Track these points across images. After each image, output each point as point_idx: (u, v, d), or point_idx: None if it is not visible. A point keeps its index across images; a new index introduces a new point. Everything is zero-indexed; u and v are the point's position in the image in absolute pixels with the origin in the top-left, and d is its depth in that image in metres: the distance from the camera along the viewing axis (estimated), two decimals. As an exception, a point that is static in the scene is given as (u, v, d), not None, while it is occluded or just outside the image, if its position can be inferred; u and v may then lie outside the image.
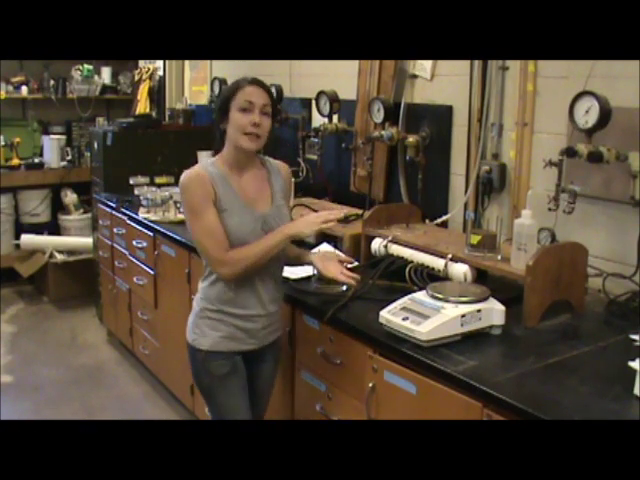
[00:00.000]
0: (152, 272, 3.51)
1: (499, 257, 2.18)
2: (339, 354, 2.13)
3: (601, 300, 2.20)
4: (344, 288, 2.26)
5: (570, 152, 2.06)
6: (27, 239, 5.17)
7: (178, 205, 3.49)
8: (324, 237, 2.71)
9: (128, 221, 3.72)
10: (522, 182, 2.53)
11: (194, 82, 5.04)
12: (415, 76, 2.99)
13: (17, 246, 5.27)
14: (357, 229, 2.66)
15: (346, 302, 2.15)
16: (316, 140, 3.35)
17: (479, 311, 1.89)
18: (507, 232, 2.41)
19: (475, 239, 2.21)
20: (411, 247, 2.37)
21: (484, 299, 1.93)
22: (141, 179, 3.99)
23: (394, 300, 1.99)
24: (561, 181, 2.12)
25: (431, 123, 2.89)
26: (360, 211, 2.99)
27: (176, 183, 3.96)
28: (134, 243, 3.65)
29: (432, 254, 2.29)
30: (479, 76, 2.65)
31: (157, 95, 5.31)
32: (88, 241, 4.90)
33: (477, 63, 2.65)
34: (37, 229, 5.36)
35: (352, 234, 2.66)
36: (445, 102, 2.85)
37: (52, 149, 5.39)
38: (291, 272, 2.37)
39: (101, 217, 4.22)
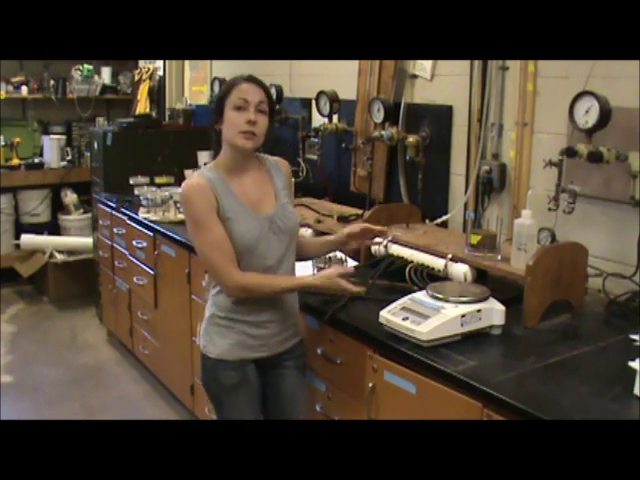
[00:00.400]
0: (152, 272, 3.51)
1: (499, 257, 2.18)
2: (339, 354, 2.13)
3: (601, 300, 2.20)
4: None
5: (570, 152, 2.06)
6: (27, 239, 5.17)
7: (178, 205, 3.49)
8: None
9: (128, 221, 3.72)
10: (522, 182, 2.53)
11: (194, 82, 5.04)
12: (415, 76, 2.99)
13: (17, 246, 5.27)
14: (357, 229, 2.66)
15: (346, 302, 2.14)
16: (316, 140, 3.35)
17: (479, 311, 1.89)
18: (507, 232, 2.41)
19: (475, 239, 2.21)
20: (411, 247, 2.37)
21: (484, 299, 1.93)
22: (141, 179, 4.00)
23: (394, 300, 1.98)
24: (561, 181, 2.12)
25: (431, 123, 2.89)
26: (360, 211, 2.99)
27: (176, 183, 4.04)
28: (134, 243, 3.65)
29: (432, 254, 2.29)
30: (479, 76, 2.65)
31: (157, 95, 5.31)
32: (88, 241, 4.90)
33: (477, 63, 2.65)
34: (37, 229, 5.36)
35: (352, 234, 2.66)
36: (445, 102, 2.85)
37: (52, 149, 5.39)
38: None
39: (101, 217, 4.23)
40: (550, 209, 2.14)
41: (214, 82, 4.13)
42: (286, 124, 3.67)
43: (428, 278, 2.25)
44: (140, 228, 3.57)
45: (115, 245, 4.02)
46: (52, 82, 5.52)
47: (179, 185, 3.94)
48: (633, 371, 1.56)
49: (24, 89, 5.41)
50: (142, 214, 3.55)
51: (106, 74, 5.81)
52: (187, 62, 5.11)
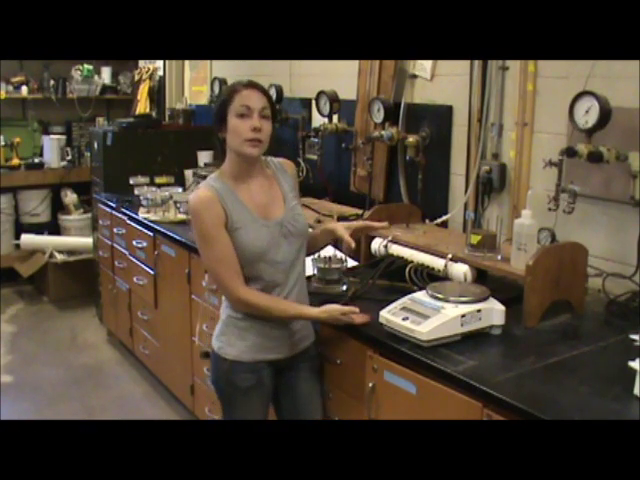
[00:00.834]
0: (152, 272, 3.51)
1: (499, 257, 2.18)
2: (339, 354, 2.13)
3: (601, 300, 2.20)
4: (344, 288, 2.27)
5: (570, 152, 2.06)
6: (27, 239, 5.17)
7: (178, 205, 3.49)
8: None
9: (128, 221, 3.72)
10: (522, 182, 2.53)
11: (194, 82, 5.04)
12: (415, 76, 2.99)
13: (17, 246, 5.27)
14: (357, 229, 2.66)
15: (346, 302, 2.14)
16: (316, 140, 3.35)
17: (479, 311, 1.89)
18: (507, 232, 2.41)
19: (475, 239, 2.21)
20: (411, 247, 2.37)
21: (484, 299, 1.93)
22: (141, 179, 3.99)
23: (394, 300, 1.98)
24: (561, 181, 2.12)
25: (431, 123, 2.89)
26: (360, 211, 2.99)
27: (176, 183, 4.04)
28: (134, 243, 3.65)
29: (432, 254, 2.29)
30: (479, 76, 2.65)
31: (157, 95, 5.31)
32: (88, 241, 4.90)
33: (477, 63, 2.65)
34: (37, 229, 5.35)
35: (352, 234, 2.66)
36: (445, 102, 2.85)
37: (52, 149, 5.39)
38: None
39: (101, 217, 4.23)
40: (550, 209, 2.14)
41: (214, 82, 4.13)
42: (286, 124, 3.68)
43: (428, 278, 2.25)
44: (140, 228, 3.57)
45: (115, 245, 4.02)
46: (52, 82, 5.52)
47: (179, 185, 3.99)
48: (633, 371, 1.56)
49: (24, 89, 5.41)
50: (142, 214, 3.55)
51: (106, 74, 5.81)
52: (187, 62, 5.11)
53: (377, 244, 2.48)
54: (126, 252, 3.84)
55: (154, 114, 5.15)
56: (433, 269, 2.27)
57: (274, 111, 1.97)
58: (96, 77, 5.70)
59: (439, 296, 1.93)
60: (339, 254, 2.33)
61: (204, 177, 3.55)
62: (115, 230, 3.96)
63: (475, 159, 2.69)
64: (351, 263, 2.49)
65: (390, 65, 3.04)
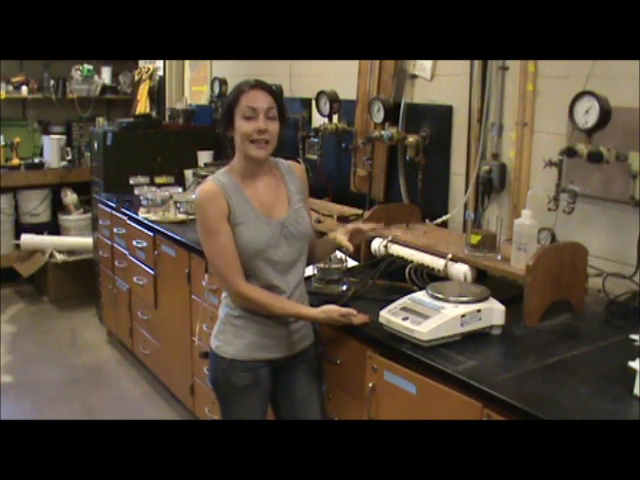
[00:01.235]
0: (152, 272, 3.51)
1: (499, 257, 2.18)
2: (339, 354, 2.13)
3: (601, 300, 2.20)
4: (344, 288, 2.26)
5: (570, 152, 2.06)
6: (27, 239, 5.17)
7: (178, 205, 3.49)
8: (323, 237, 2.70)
9: (128, 221, 3.72)
10: (522, 182, 2.53)
11: (194, 82, 5.04)
12: (415, 76, 2.99)
13: (17, 246, 5.27)
14: (357, 229, 2.66)
15: (346, 302, 2.14)
16: (316, 140, 3.35)
17: (479, 311, 1.89)
18: (507, 232, 2.41)
19: (475, 239, 2.21)
20: (411, 247, 2.37)
21: (484, 299, 1.93)
22: (141, 179, 4.00)
23: (394, 300, 1.98)
24: (561, 181, 2.12)
25: (431, 123, 2.89)
26: (360, 211, 2.99)
27: (176, 183, 4.04)
28: (134, 243, 3.65)
29: (432, 254, 2.29)
30: (479, 76, 2.65)
31: (157, 95, 5.31)
32: (88, 241, 4.90)
33: (477, 63, 2.65)
34: (37, 229, 5.35)
35: (352, 234, 2.66)
36: (445, 102, 2.85)
37: (52, 149, 5.39)
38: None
39: (101, 217, 4.23)
40: (550, 209, 2.14)
41: (214, 82, 4.13)
42: (286, 124, 3.67)
43: (428, 278, 2.25)
44: (140, 228, 3.57)
45: (115, 245, 4.02)
46: (52, 82, 5.52)
47: (179, 185, 3.99)
48: (633, 371, 1.56)
49: (24, 89, 5.41)
50: (142, 214, 3.55)
51: (106, 74, 5.81)
52: (187, 62, 5.11)
53: (377, 244, 2.48)
54: (126, 252, 3.84)
55: (154, 114, 5.15)
56: (433, 269, 2.27)
57: (282, 110, 1.97)
58: (96, 77, 5.70)
59: (439, 296, 1.93)
60: (339, 254, 2.33)
61: (204, 177, 3.57)
62: (115, 230, 3.96)
63: (475, 159, 2.69)
64: (351, 263, 2.49)
65: (390, 65, 3.04)
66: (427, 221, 2.76)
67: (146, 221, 3.47)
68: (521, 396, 1.57)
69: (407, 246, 2.39)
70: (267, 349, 2.01)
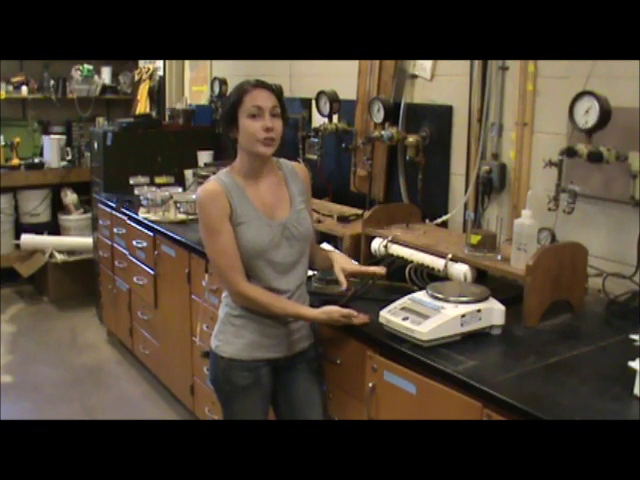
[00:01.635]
0: (152, 272, 3.51)
1: (499, 257, 2.18)
2: (339, 354, 2.13)
3: (601, 300, 2.20)
4: (344, 288, 2.26)
5: (570, 152, 2.06)
6: (27, 239, 5.17)
7: (178, 205, 3.49)
8: (323, 237, 2.71)
9: (128, 221, 3.72)
10: (522, 182, 2.53)
11: (194, 82, 5.04)
12: (415, 76, 2.99)
13: (17, 246, 5.27)
14: (357, 229, 2.66)
15: (346, 302, 2.14)
16: (316, 140, 3.35)
17: (479, 311, 1.89)
18: (507, 232, 2.41)
19: (475, 239, 2.21)
20: (411, 247, 2.37)
21: (484, 299, 1.93)
22: (141, 179, 3.99)
23: (394, 300, 1.99)
24: (561, 181, 2.12)
25: (431, 123, 2.89)
26: (360, 211, 2.99)
27: (176, 183, 4.04)
28: (134, 243, 3.65)
29: (432, 254, 2.29)
30: (479, 76, 2.65)
31: (157, 95, 5.31)
32: (88, 241, 4.90)
33: (477, 63, 2.64)
34: (37, 229, 5.35)
35: (352, 234, 2.66)
36: (445, 102, 2.85)
37: (52, 149, 5.39)
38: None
39: (101, 217, 4.23)
40: (550, 209, 2.14)
41: (214, 82, 4.13)
42: (287, 123, 3.66)
43: (428, 278, 2.25)
44: (140, 228, 3.57)
45: (115, 245, 4.02)
46: (52, 82, 5.52)
47: (179, 185, 3.99)
48: (633, 371, 1.56)
49: (24, 89, 5.40)
50: (142, 214, 3.55)
51: (106, 74, 5.81)
52: (187, 62, 5.11)
53: (377, 244, 2.48)
54: (126, 252, 3.84)
55: (154, 114, 5.15)
56: (433, 269, 2.27)
57: (284, 109, 1.97)
58: (96, 77, 5.70)
59: (439, 296, 1.93)
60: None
61: (204, 177, 3.57)
62: (115, 230, 3.96)
63: (475, 159, 2.69)
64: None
65: (390, 65, 3.04)
66: (427, 221, 2.76)
67: (146, 221, 3.47)
68: (521, 396, 1.57)
69: (407, 246, 2.39)
70: (267, 348, 2.02)
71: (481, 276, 2.21)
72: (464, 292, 1.97)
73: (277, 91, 1.97)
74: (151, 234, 3.46)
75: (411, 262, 2.34)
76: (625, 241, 2.21)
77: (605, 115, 2.00)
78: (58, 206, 5.54)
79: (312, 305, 2.10)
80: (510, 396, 1.56)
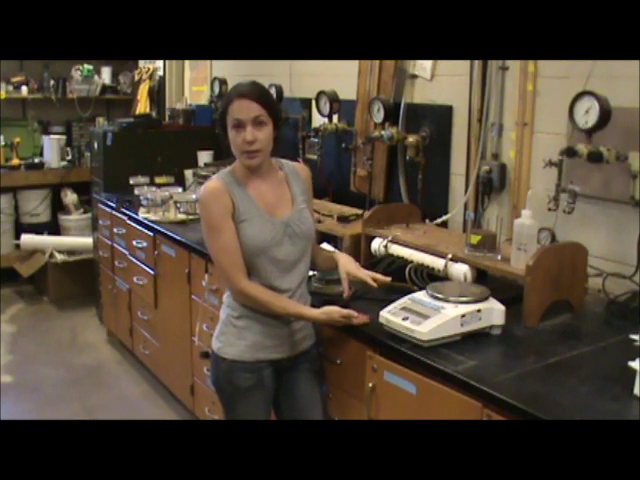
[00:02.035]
0: (152, 272, 3.51)
1: (499, 257, 2.18)
2: (339, 354, 2.13)
3: (601, 300, 2.20)
4: (345, 294, 2.26)
5: (570, 152, 2.06)
6: (27, 239, 5.17)
7: (178, 205, 3.49)
8: (323, 237, 2.71)
9: (128, 221, 3.72)
10: (522, 182, 2.53)
11: (194, 82, 5.04)
12: (415, 76, 2.99)
13: (17, 246, 5.27)
14: (357, 229, 2.66)
15: (346, 302, 2.14)
16: (316, 140, 3.35)
17: (479, 311, 1.89)
18: (507, 232, 2.41)
19: (475, 239, 2.21)
20: (411, 247, 2.37)
21: (484, 299, 1.93)
22: (141, 179, 3.99)
23: (394, 300, 1.99)
24: (561, 181, 2.12)
25: (431, 123, 2.89)
26: (360, 211, 2.99)
27: (176, 183, 4.04)
28: (134, 243, 3.65)
29: (432, 254, 2.29)
30: (479, 76, 2.65)
31: (157, 95, 5.31)
32: (88, 241, 4.90)
33: (477, 63, 2.64)
34: (37, 229, 5.35)
35: (352, 234, 2.66)
36: (445, 102, 2.85)
37: (52, 149, 5.39)
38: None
39: (101, 217, 4.22)
40: (550, 209, 2.14)
41: (214, 82, 4.13)
42: (286, 124, 3.67)
43: (428, 278, 2.25)
44: (140, 228, 3.57)
45: (115, 245, 4.02)
46: (52, 82, 5.52)
47: (179, 185, 3.99)
48: (633, 371, 1.56)
49: (24, 89, 5.40)
50: (142, 214, 3.55)
51: (106, 74, 5.81)
52: (187, 62, 5.11)
53: (377, 244, 2.48)
54: (126, 252, 3.84)
55: (154, 114, 5.15)
56: (433, 269, 2.27)
57: (274, 112, 1.94)
58: (96, 77, 5.69)
59: (439, 296, 1.93)
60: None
61: (204, 177, 3.58)
62: (115, 230, 3.96)
63: (475, 159, 2.69)
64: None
65: (390, 65, 3.04)
66: (427, 221, 2.76)
67: (146, 221, 3.47)
68: (521, 396, 1.57)
69: (407, 246, 2.39)
70: (269, 349, 2.02)
71: (481, 276, 2.21)
72: (464, 292, 1.97)
73: (263, 97, 1.92)
74: (151, 234, 3.46)
75: (411, 262, 2.34)
76: (625, 241, 2.21)
77: (605, 115, 2.00)
78: (58, 206, 5.54)
79: (312, 305, 2.10)
80: (510, 396, 1.56)
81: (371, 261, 2.48)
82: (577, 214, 2.17)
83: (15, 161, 5.25)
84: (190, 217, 3.41)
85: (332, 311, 1.97)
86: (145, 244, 3.55)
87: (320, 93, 3.21)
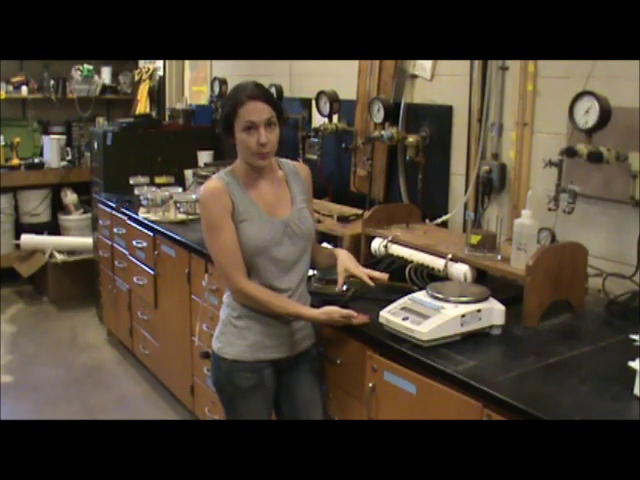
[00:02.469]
0: (152, 272, 3.51)
1: (499, 257, 2.18)
2: (339, 354, 2.13)
3: (601, 300, 2.20)
4: (344, 288, 2.26)
5: (570, 152, 2.06)
6: (27, 239, 5.17)
7: (178, 205, 3.49)
8: (323, 237, 2.71)
9: (128, 221, 3.72)
10: (522, 182, 2.53)
11: (194, 82, 5.04)
12: (415, 76, 2.98)
13: (17, 246, 5.27)
14: (357, 229, 2.66)
15: (346, 302, 2.14)
16: (316, 140, 3.35)
17: (479, 311, 1.89)
18: (507, 232, 2.41)
19: (475, 239, 2.21)
20: (411, 247, 2.37)
21: (484, 299, 1.93)
22: (141, 179, 3.99)
23: (394, 300, 1.99)
24: (561, 181, 2.12)
25: (431, 123, 2.89)
26: (360, 211, 2.99)
27: (176, 183, 4.04)
28: (134, 243, 3.65)
29: (432, 254, 2.29)
30: (479, 76, 2.65)
31: (157, 95, 5.31)
32: (88, 241, 4.90)
33: (477, 63, 2.64)
34: (37, 229, 5.35)
35: (352, 234, 2.66)
36: (445, 102, 2.85)
37: (52, 149, 5.39)
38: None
39: (101, 217, 4.22)
40: (550, 209, 2.14)
41: (214, 82, 4.13)
42: (286, 124, 3.67)
43: (428, 278, 2.25)
44: (140, 228, 3.57)
45: (115, 245, 4.02)
46: (52, 82, 5.52)
47: (179, 185, 3.99)
48: (633, 371, 1.56)
49: (24, 89, 5.40)
50: (142, 214, 3.55)
51: (106, 74, 5.81)
52: (187, 62, 5.11)
53: (377, 244, 2.48)
54: (126, 252, 3.84)
55: (154, 114, 5.15)
56: (433, 269, 2.27)
57: (280, 113, 1.96)
58: (96, 77, 5.69)
59: (439, 296, 1.93)
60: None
61: (204, 177, 3.57)
62: (115, 230, 3.96)
63: (475, 159, 2.69)
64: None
65: (390, 65, 3.04)
66: (427, 221, 2.76)
67: (146, 221, 3.47)
68: (521, 396, 1.57)
69: (407, 246, 2.39)
70: (270, 349, 2.02)
71: (481, 276, 2.21)
72: (464, 292, 1.97)
73: (273, 99, 1.94)
74: (151, 234, 3.46)
75: (411, 262, 2.34)
76: (625, 241, 2.21)
77: (605, 115, 2.00)
78: (58, 206, 5.54)
79: (312, 305, 2.10)
80: (510, 396, 1.56)
81: (371, 261, 2.48)
82: (577, 214, 2.17)
83: (15, 161, 5.25)
84: (190, 217, 3.41)
85: (332, 311, 1.97)
86: (145, 244, 3.55)
87: (320, 93, 3.21)
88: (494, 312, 1.92)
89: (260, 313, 1.99)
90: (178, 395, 3.44)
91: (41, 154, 5.51)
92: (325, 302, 2.10)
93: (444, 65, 2.85)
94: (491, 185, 2.64)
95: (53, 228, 5.47)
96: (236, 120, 1.91)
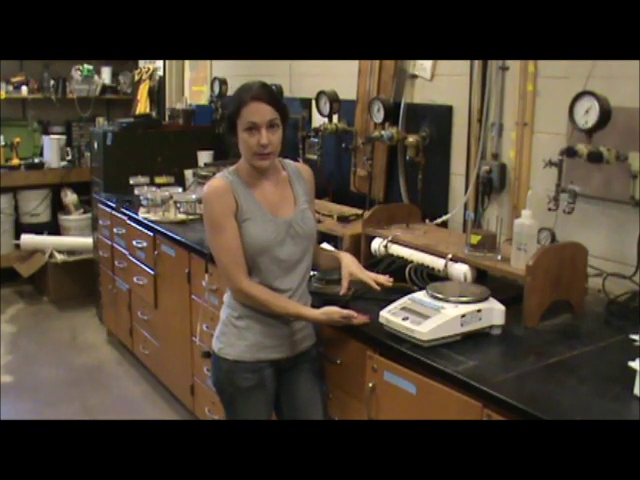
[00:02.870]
0: (152, 272, 3.51)
1: (499, 257, 2.18)
2: (339, 354, 2.13)
3: (601, 300, 2.20)
4: (342, 293, 2.26)
5: (570, 152, 2.06)
6: (27, 239, 5.17)
7: (178, 205, 3.49)
8: (323, 237, 2.71)
9: (128, 221, 3.72)
10: (522, 182, 2.53)
11: (194, 82, 5.04)
12: (415, 76, 2.99)
13: (17, 246, 5.27)
14: (357, 229, 2.66)
15: (346, 302, 2.14)
16: (316, 140, 3.35)
17: (479, 311, 1.89)
18: (507, 232, 2.41)
19: (475, 239, 2.21)
20: (411, 247, 2.37)
21: (484, 299, 1.93)
22: (141, 179, 3.99)
23: (394, 300, 1.99)
24: (561, 181, 2.12)
25: (431, 123, 2.89)
26: (360, 211, 2.99)
27: (176, 183, 4.04)
28: (134, 243, 3.65)
29: (432, 254, 2.29)
30: (479, 76, 2.65)
31: (157, 95, 5.31)
32: (88, 241, 4.90)
33: (477, 63, 2.65)
34: (37, 229, 5.35)
35: (352, 234, 2.66)
36: (445, 102, 2.85)
37: (52, 149, 5.39)
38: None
39: (101, 217, 4.22)
40: (550, 209, 2.14)
41: (214, 82, 4.13)
42: (287, 123, 3.66)
43: (428, 278, 2.25)
44: (140, 228, 3.57)
45: (115, 245, 4.02)
46: (52, 82, 5.52)
47: (179, 185, 3.99)
48: (633, 371, 1.56)
49: (24, 89, 5.40)
50: (142, 214, 3.55)
51: (106, 74, 5.81)
52: (187, 62, 5.11)
53: (377, 244, 2.48)
54: (126, 252, 3.84)
55: (154, 114, 5.14)
56: (433, 269, 2.27)
57: (285, 115, 1.96)
58: (96, 77, 5.69)
59: (439, 296, 1.93)
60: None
61: (204, 177, 3.58)
62: (115, 230, 3.96)
63: (475, 159, 2.69)
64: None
65: (390, 65, 3.04)
66: (427, 221, 2.76)
67: (146, 221, 3.47)
68: (521, 396, 1.57)
69: (407, 246, 2.39)
70: (270, 349, 2.02)
71: (481, 276, 2.21)
72: (464, 292, 1.97)
73: (276, 100, 1.93)
74: (151, 234, 3.46)
75: (411, 262, 2.34)
76: (625, 241, 2.21)
77: (605, 115, 2.00)
78: (58, 206, 5.54)
79: (313, 305, 2.10)
80: (510, 396, 1.56)
81: (371, 261, 2.48)
82: (577, 214, 2.17)
83: (15, 161, 5.25)
84: (190, 217, 3.41)
85: (332, 311, 1.97)
86: (145, 244, 3.55)
87: (320, 93, 3.21)
88: (494, 312, 1.92)
89: (260, 313, 1.99)
90: (178, 395, 3.44)
91: (41, 154, 5.51)
92: (325, 302, 2.10)
93: (444, 65, 2.85)
94: (491, 185, 2.64)
95: (53, 228, 5.46)
96: (239, 120, 1.91)
